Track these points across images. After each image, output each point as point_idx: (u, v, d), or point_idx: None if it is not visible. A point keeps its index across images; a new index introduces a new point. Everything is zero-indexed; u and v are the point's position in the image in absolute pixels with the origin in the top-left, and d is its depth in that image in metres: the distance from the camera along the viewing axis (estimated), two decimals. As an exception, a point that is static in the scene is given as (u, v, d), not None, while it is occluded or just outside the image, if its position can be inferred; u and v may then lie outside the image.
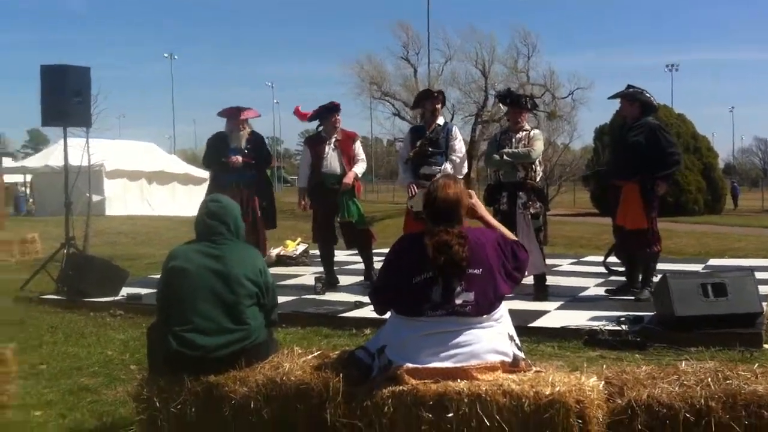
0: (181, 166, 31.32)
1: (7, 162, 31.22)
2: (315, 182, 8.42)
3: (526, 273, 5.87)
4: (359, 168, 8.43)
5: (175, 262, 3.96)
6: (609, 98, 7.75)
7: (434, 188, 3.79)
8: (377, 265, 9.39)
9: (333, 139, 8.36)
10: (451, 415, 3.32)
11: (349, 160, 8.37)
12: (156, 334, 3.97)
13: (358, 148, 8.59)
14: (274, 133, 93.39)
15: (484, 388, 3.34)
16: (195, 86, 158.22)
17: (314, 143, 8.50)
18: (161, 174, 28.64)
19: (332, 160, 8.34)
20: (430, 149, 7.86)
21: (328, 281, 8.38)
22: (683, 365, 3.70)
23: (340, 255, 8.91)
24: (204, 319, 3.83)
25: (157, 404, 3.75)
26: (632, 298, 7.34)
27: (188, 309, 3.84)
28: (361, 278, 8.67)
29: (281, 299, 5.07)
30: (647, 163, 7.19)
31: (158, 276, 4.22)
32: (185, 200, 26.77)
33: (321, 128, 8.52)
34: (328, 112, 8.39)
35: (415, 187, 7.79)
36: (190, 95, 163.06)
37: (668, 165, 7.30)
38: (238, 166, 8.58)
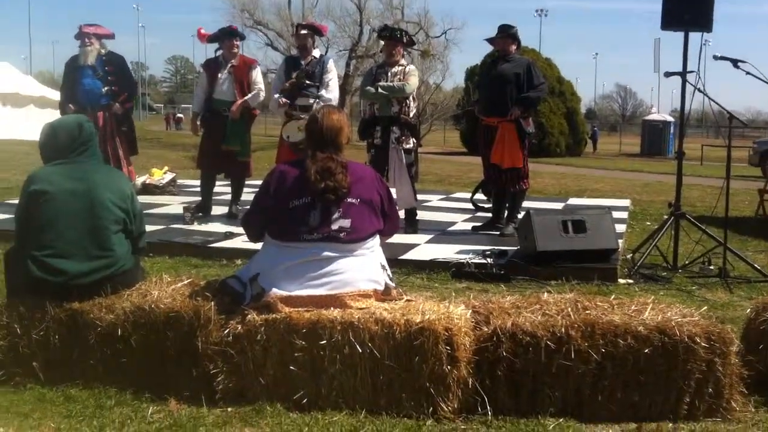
0: (37, 88, 29.61)
1: None
2: (208, 107, 8.22)
3: (397, 207, 5.96)
4: (253, 97, 8.22)
5: (36, 185, 3.77)
6: (487, 39, 7.85)
7: (320, 115, 3.83)
8: (249, 197, 9.30)
9: (229, 65, 8.16)
10: (324, 342, 3.36)
11: (242, 87, 8.16)
12: (15, 259, 3.78)
13: (256, 75, 8.36)
14: (139, 58, 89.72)
15: (356, 316, 3.40)
16: (55, 6, 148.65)
17: (210, 67, 8.29)
18: (15, 96, 26.99)
19: (225, 85, 8.14)
20: (306, 82, 7.77)
21: (202, 210, 8.20)
22: (545, 296, 3.87)
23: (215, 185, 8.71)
24: (67, 243, 3.68)
25: (18, 330, 3.62)
26: (497, 233, 7.59)
27: (50, 233, 3.68)
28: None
29: (148, 228, 4.91)
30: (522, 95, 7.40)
31: (14, 201, 4.00)
32: (41, 124, 25.31)
33: (219, 52, 8.30)
34: (225, 36, 8.22)
35: (284, 100, 7.71)
36: (49, 15, 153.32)
37: (537, 92, 7.55)
38: (71, 112, 8.02)
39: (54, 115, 26.44)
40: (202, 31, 8.44)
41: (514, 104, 7.38)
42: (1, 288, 4.25)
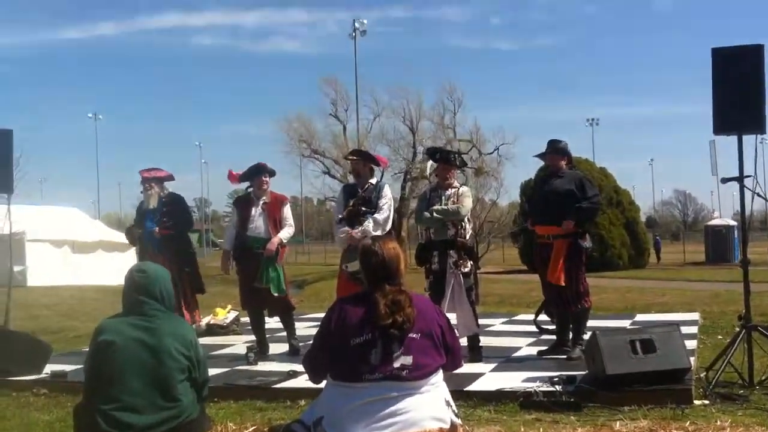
0: (105, 231, 30.63)
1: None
2: (241, 245, 8.27)
3: (458, 334, 5.91)
4: (285, 233, 8.28)
5: (103, 336, 3.87)
6: (536, 155, 7.89)
7: (376, 247, 3.83)
8: (310, 331, 9.31)
9: (261, 202, 8.25)
10: (391, 489, 3.28)
11: (276, 224, 8.24)
12: (83, 413, 3.83)
13: (287, 211, 8.47)
14: (202, 194, 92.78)
15: (424, 459, 3.32)
16: (120, 148, 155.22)
17: (242, 205, 8.39)
18: (85, 240, 27.93)
19: (259, 223, 8.20)
20: (362, 208, 7.86)
21: (260, 350, 8.21)
22: (618, 425, 3.75)
23: (271, 322, 8.75)
24: (134, 395, 3.72)
25: (87, 491, 3.61)
26: (564, 357, 7.41)
27: (117, 385, 3.74)
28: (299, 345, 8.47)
29: (212, 371, 4.96)
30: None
31: (84, 350, 4.09)
32: (111, 267, 26.08)
33: (250, 189, 8.42)
34: (255, 173, 8.32)
35: (354, 232, 7.64)
36: (115, 157, 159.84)
37: (591, 203, 7.45)
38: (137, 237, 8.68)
39: (120, 257, 27.28)
40: (233, 173, 8.57)
41: (569, 216, 7.34)
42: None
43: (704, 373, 6.42)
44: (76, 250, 27.48)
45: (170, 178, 9.09)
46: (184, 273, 8.69)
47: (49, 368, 7.56)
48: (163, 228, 8.64)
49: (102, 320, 4.03)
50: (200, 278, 9.00)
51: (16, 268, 23.01)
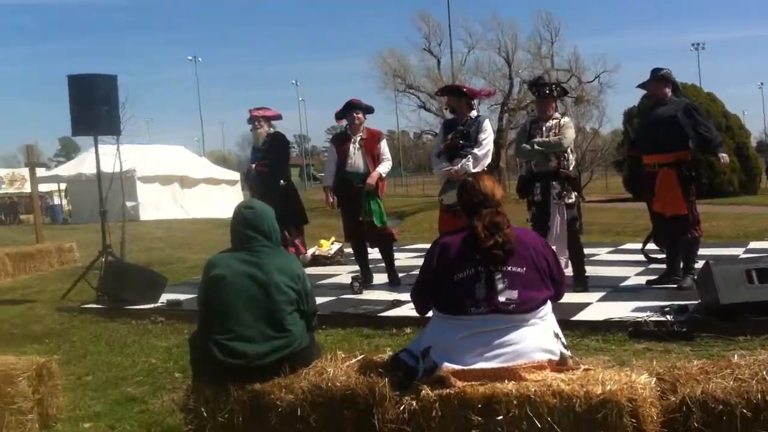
0: (211, 168, 31.50)
1: (40, 171, 31.38)
2: (340, 180, 8.41)
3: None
4: (384, 167, 8.40)
5: (214, 270, 3.97)
6: (639, 85, 7.61)
7: (471, 181, 3.82)
8: (411, 261, 9.39)
9: (358, 138, 8.35)
10: (500, 417, 3.28)
11: (374, 159, 8.34)
12: (199, 343, 3.97)
13: (384, 147, 8.55)
14: (301, 131, 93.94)
15: (533, 389, 3.29)
16: (221, 88, 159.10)
17: (339, 141, 8.52)
18: (192, 176, 28.81)
19: (357, 158, 8.33)
20: (461, 142, 7.77)
21: (365, 279, 8.35)
22: (736, 358, 3.62)
23: (374, 253, 8.86)
24: (246, 327, 3.83)
25: (205, 414, 3.76)
26: (675, 286, 7.21)
27: (230, 317, 3.85)
28: (399, 275, 8.56)
29: (319, 300, 5.05)
30: (684, 138, 7.10)
31: (197, 279, 4.20)
32: (217, 201, 26.98)
33: (347, 126, 8.52)
34: (348, 110, 8.42)
35: (454, 169, 7.56)
36: (216, 97, 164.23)
37: (717, 143, 7.29)
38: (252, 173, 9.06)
39: (226, 191, 28.08)
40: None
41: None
42: (187, 370, 4.48)
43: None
44: (184, 186, 28.38)
45: (278, 117, 9.43)
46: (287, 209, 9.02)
47: (164, 297, 7.91)
48: (259, 165, 8.91)
49: (212, 256, 4.13)
50: (302, 209, 9.26)
51: (129, 204, 24.07)
